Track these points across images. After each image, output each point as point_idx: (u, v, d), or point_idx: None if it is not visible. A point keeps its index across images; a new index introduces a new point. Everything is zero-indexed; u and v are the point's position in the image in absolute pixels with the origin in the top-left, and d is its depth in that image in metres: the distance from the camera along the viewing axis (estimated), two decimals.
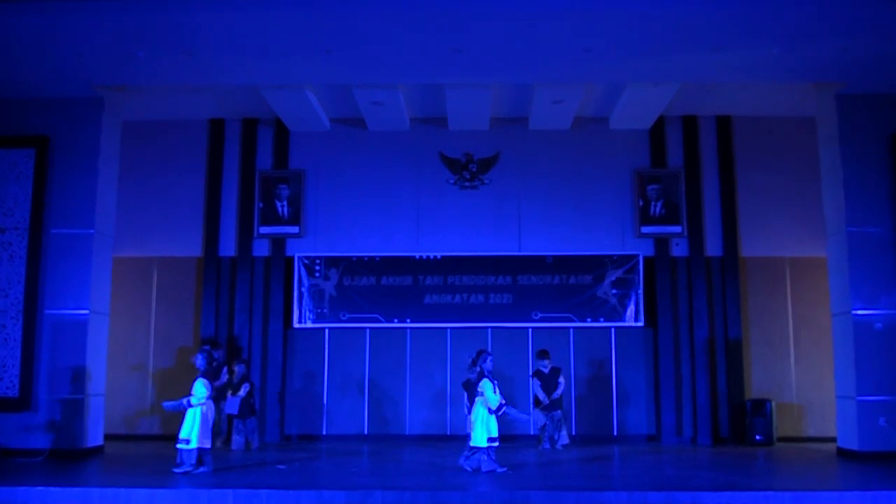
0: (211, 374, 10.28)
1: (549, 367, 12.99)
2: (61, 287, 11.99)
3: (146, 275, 14.64)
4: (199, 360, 10.27)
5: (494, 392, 10.17)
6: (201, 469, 9.89)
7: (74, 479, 9.54)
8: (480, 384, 10.26)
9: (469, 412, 12.08)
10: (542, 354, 13.10)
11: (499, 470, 10.00)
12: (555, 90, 13.06)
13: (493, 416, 10.14)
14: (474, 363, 10.51)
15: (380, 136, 14.81)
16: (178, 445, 9.94)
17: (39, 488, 8.81)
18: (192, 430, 9.90)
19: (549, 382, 12.86)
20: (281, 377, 14.25)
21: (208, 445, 10.01)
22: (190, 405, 9.98)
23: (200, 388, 10.04)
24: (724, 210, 14.47)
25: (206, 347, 10.60)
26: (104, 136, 12.36)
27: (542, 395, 12.73)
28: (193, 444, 9.86)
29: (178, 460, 9.92)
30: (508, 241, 14.57)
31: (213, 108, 14.38)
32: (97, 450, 12.06)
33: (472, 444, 10.18)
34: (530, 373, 13.41)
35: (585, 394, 14.25)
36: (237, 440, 12.53)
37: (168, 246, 14.63)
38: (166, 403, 10.33)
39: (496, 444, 10.15)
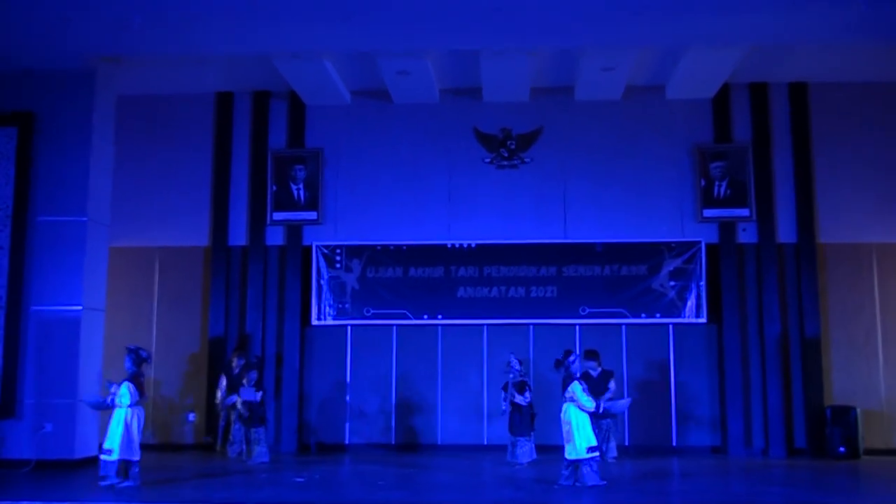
0: (138, 379, 10.27)
1: (599, 370, 12.76)
2: (50, 281, 11.98)
3: (147, 267, 14.58)
4: (127, 362, 10.29)
5: (586, 393, 10.15)
6: (126, 483, 9.85)
7: (63, 494, 9.49)
8: (570, 388, 10.21)
9: (506, 414, 12.07)
10: (590, 355, 12.85)
11: (601, 484, 9.91)
12: (604, 55, 12.79)
13: (590, 423, 10.09)
14: (559, 364, 10.45)
15: (406, 110, 14.66)
16: (101, 456, 9.96)
17: (24, 503, 8.76)
18: (114, 440, 9.90)
19: (596, 388, 12.61)
20: (298, 380, 14.17)
21: (137, 458, 10.00)
22: (112, 405, 10.04)
23: (125, 394, 10.04)
24: (799, 190, 14.12)
25: (133, 347, 10.53)
26: (97, 112, 12.29)
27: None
28: (115, 456, 9.87)
29: (101, 472, 9.89)
30: (552, 227, 14.36)
31: (219, 80, 14.29)
32: (90, 461, 11.88)
33: (568, 456, 10.08)
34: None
35: (640, 399, 13.90)
36: (261, 451, 12.35)
37: (171, 235, 14.58)
38: (87, 398, 10.43)
39: (597, 453, 10.08)
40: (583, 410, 10.09)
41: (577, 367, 10.40)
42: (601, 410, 10.32)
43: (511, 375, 12.20)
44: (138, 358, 10.29)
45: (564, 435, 10.18)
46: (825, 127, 14.26)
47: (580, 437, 10.01)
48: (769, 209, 14.12)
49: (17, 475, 10.98)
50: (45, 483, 10.32)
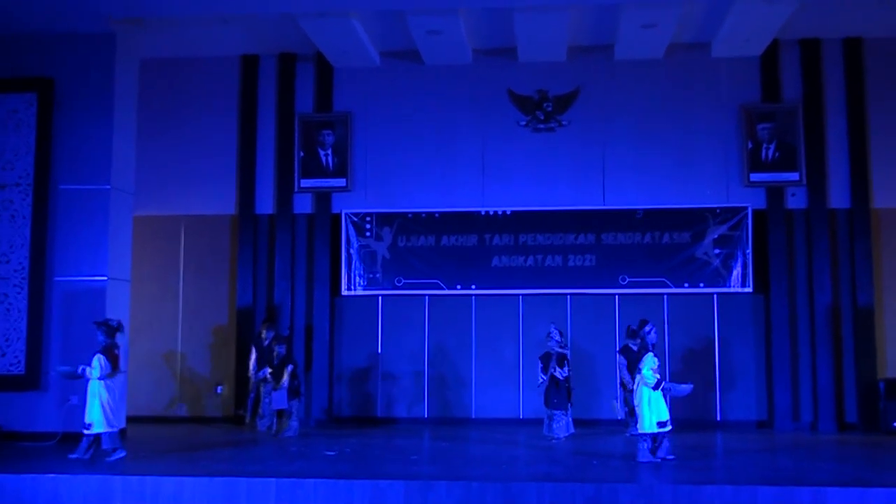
0: (112, 351, 10.46)
1: (640, 345, 12.71)
2: (73, 251, 12.15)
3: (172, 236, 14.74)
4: (99, 336, 10.50)
5: (654, 368, 10.15)
6: (118, 454, 10.16)
7: (90, 466, 9.69)
8: (643, 359, 10.22)
9: (542, 387, 12.06)
10: (632, 335, 12.80)
11: (653, 461, 9.95)
12: (645, 11, 12.65)
13: (661, 396, 10.13)
14: (634, 334, 10.41)
15: (438, 72, 14.62)
16: (84, 431, 10.28)
17: (50, 476, 8.98)
18: (91, 414, 10.24)
19: (636, 363, 12.57)
20: (328, 352, 14.28)
21: (115, 427, 10.33)
22: (83, 374, 10.32)
23: (95, 366, 10.29)
24: (853, 152, 13.93)
25: (100, 320, 10.73)
26: (119, 76, 12.37)
27: (627, 377, 12.48)
28: (97, 429, 10.20)
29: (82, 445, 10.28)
30: (591, 193, 14.29)
31: (244, 42, 14.33)
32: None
33: (639, 430, 10.13)
34: (617, 349, 13.14)
35: (683, 371, 13.88)
36: (291, 425, 12.52)
37: (197, 203, 14.70)
38: (60, 367, 10.72)
39: (667, 428, 10.10)
40: (644, 384, 10.11)
41: (652, 338, 10.40)
42: (659, 389, 10.25)
43: (551, 345, 12.18)
44: (109, 329, 10.51)
45: (637, 407, 10.25)
46: (881, 85, 14.04)
47: (651, 412, 10.02)
48: (820, 173, 13.93)
49: (44, 448, 11.17)
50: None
